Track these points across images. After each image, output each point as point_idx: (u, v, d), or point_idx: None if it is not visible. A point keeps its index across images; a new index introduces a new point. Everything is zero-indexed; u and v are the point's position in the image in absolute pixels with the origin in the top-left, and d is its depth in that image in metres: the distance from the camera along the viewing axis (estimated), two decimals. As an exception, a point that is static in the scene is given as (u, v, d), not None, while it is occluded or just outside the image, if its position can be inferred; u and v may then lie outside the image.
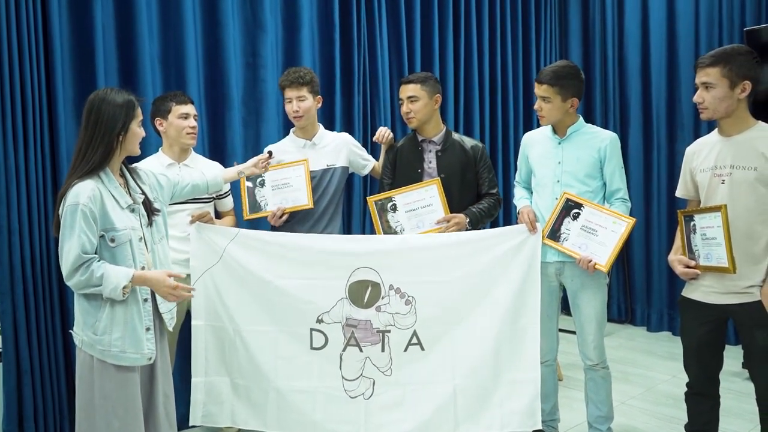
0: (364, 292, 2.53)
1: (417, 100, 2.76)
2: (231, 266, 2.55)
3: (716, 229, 2.07)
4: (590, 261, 2.44)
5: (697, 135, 4.35)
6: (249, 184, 2.74)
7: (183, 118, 2.64)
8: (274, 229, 2.81)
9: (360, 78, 3.74)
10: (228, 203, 2.90)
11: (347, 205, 3.67)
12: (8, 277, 2.63)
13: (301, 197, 2.72)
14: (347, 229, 3.66)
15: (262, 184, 2.75)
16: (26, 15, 2.61)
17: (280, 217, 2.70)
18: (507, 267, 2.52)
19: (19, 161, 2.63)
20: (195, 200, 2.66)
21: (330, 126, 3.09)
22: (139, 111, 2.05)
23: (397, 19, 3.95)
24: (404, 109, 2.80)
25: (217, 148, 3.24)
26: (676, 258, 2.25)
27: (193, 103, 2.71)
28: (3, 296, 2.63)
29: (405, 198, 2.69)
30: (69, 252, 1.89)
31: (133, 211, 2.03)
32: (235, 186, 2.84)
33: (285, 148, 2.89)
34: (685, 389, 2.34)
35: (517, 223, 2.62)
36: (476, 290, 2.53)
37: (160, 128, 2.68)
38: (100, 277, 1.90)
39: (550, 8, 5.09)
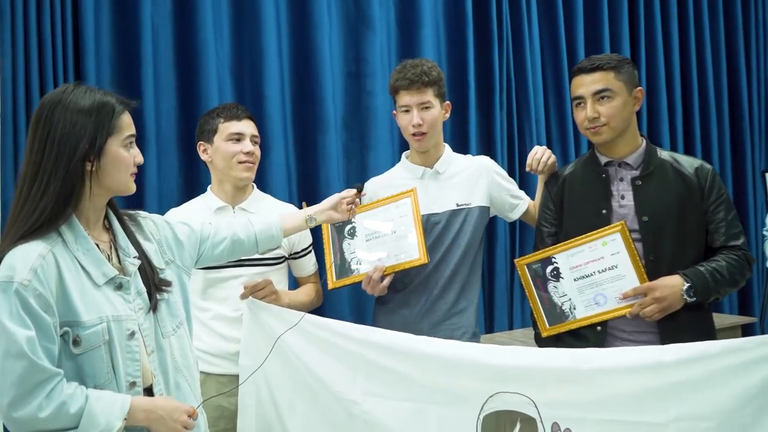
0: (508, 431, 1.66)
1: (611, 98, 1.77)
2: (295, 368, 1.80)
3: None
4: None
5: None
6: (335, 233, 1.97)
7: (234, 141, 1.89)
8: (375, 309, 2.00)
9: (503, 88, 3.09)
10: (307, 265, 2.07)
11: (487, 268, 2.89)
12: None
13: (409, 248, 1.89)
14: (487, 310, 2.93)
15: (353, 234, 1.95)
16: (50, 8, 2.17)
17: (380, 280, 1.86)
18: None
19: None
20: (258, 261, 1.87)
21: (462, 152, 2.32)
22: (123, 121, 1.30)
23: (553, 8, 3.23)
24: (588, 112, 1.79)
25: (307, 187, 2.66)
26: None
27: (251, 118, 1.98)
28: None
29: (571, 259, 1.83)
30: (4, 366, 1.17)
31: (120, 288, 1.30)
32: (316, 236, 2.08)
33: (395, 182, 2.03)
34: None
35: None
36: None
37: (204, 157, 1.96)
38: (76, 413, 1.20)
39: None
